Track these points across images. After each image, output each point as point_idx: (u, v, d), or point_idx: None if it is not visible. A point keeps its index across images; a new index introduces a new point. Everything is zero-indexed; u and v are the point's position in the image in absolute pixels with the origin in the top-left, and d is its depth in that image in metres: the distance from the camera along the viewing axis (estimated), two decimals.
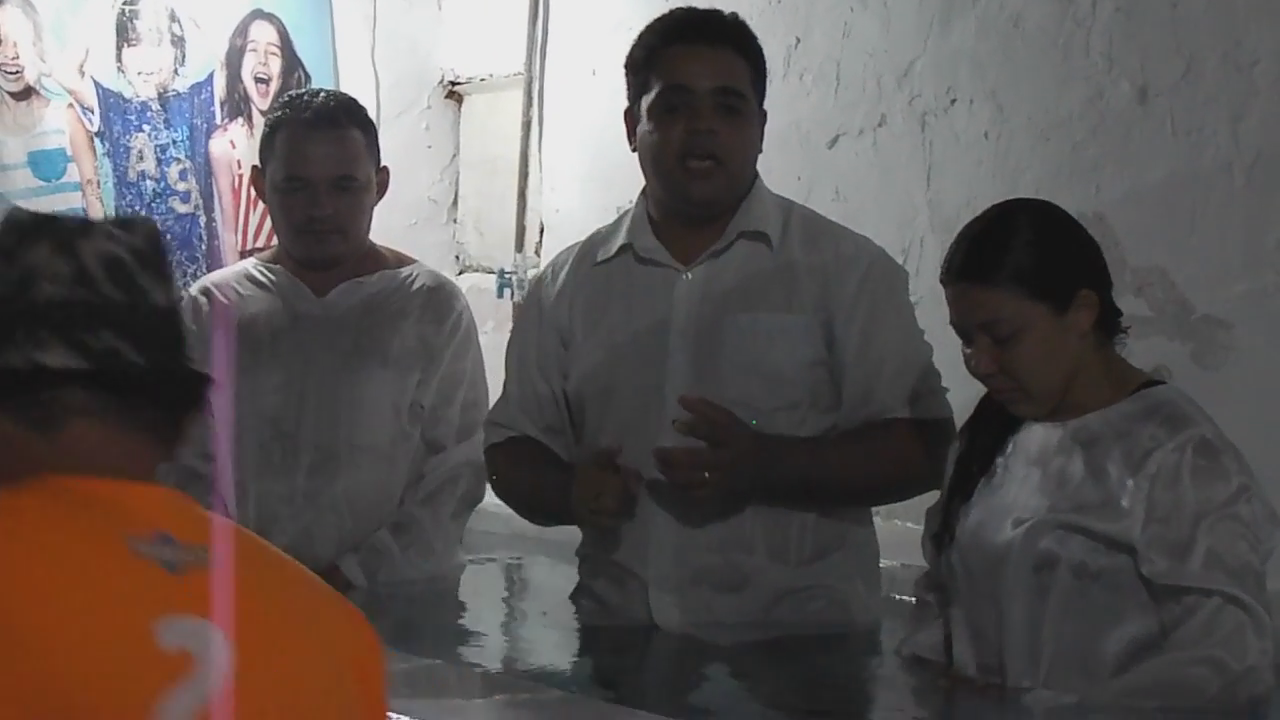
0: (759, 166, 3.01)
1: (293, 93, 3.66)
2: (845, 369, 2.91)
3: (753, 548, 2.91)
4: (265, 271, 3.53)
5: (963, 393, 2.78)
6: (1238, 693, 2.35)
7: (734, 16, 3.01)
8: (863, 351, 2.90)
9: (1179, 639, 2.38)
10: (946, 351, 2.82)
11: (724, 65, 2.90)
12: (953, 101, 4.04)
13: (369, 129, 3.49)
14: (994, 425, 2.60)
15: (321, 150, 3.38)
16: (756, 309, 2.91)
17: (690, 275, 2.94)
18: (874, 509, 3.14)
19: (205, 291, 3.54)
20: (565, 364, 3.03)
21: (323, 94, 3.53)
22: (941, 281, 2.54)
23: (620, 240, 3.01)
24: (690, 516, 2.89)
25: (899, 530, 3.81)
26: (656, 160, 2.91)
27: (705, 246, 2.94)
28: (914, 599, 2.80)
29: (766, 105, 3.01)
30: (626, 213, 3.07)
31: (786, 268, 2.92)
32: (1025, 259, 2.46)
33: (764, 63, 3.00)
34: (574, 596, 3.12)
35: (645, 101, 2.92)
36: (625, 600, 2.97)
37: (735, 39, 2.94)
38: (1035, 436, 2.55)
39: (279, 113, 3.48)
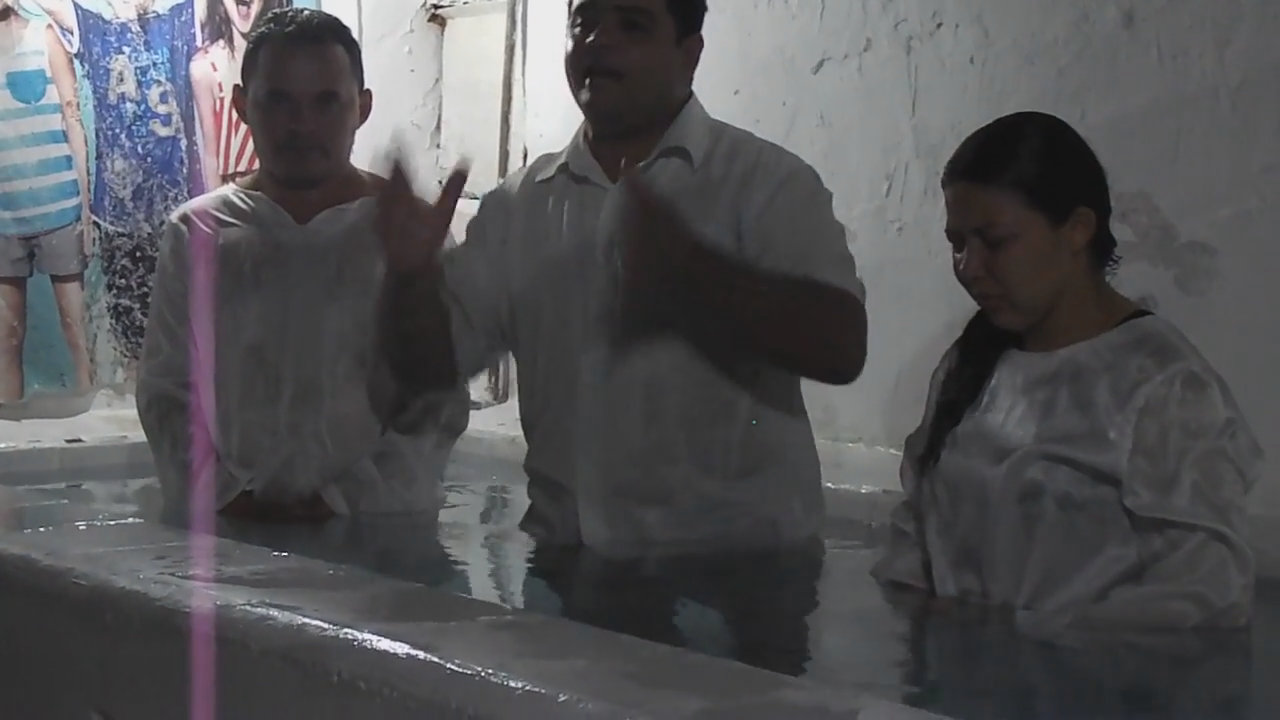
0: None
1: (276, 10, 3.62)
2: (750, 256, 2.83)
3: (676, 459, 2.91)
4: (245, 198, 3.49)
5: (951, 312, 2.77)
6: (1218, 627, 2.37)
7: None
8: (768, 239, 2.84)
9: (1161, 571, 2.39)
10: (933, 282, 2.82)
11: None
12: (938, 26, 4.01)
13: (353, 47, 3.45)
14: (982, 348, 2.61)
15: (305, 65, 3.34)
16: None
17: (615, 190, 2.93)
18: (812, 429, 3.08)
19: (185, 219, 3.50)
20: (502, 275, 3.04)
21: (306, 11, 3.49)
22: (943, 183, 2.54)
23: (559, 161, 3.04)
24: (614, 430, 2.91)
25: (882, 456, 3.83)
26: (568, 74, 2.94)
27: (633, 163, 2.92)
28: (890, 526, 2.80)
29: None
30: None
31: (705, 183, 2.92)
32: (1029, 166, 2.46)
33: None
34: (524, 522, 3.13)
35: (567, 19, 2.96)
36: (561, 516, 2.99)
37: None
38: (1022, 365, 2.55)
39: (263, 28, 3.43)
